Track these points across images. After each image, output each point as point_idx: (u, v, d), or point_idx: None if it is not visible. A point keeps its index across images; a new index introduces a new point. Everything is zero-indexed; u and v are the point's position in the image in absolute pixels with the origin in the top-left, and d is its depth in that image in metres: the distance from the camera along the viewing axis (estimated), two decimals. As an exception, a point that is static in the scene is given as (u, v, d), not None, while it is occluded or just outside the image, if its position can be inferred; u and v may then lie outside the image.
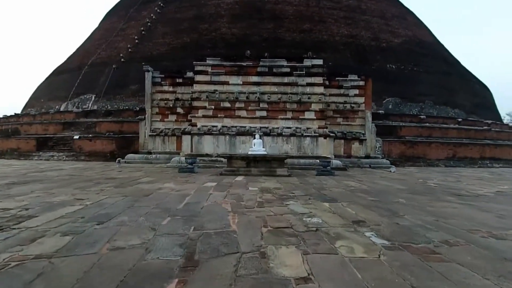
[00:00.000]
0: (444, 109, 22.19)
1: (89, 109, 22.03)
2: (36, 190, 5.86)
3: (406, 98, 21.65)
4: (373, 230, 3.29)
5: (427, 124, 17.97)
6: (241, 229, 3.34)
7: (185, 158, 9.82)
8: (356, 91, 14.87)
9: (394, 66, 23.33)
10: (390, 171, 11.21)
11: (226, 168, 9.20)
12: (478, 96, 26.12)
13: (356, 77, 14.93)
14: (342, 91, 14.91)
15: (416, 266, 2.28)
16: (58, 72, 29.63)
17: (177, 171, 9.76)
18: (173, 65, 18.88)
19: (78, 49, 32.13)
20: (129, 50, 25.09)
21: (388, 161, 14.03)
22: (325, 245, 2.79)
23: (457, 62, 29.20)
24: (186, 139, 12.56)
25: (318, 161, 11.75)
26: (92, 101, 23.01)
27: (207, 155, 12.39)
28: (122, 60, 24.40)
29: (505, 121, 33.79)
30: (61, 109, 23.56)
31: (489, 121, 20.81)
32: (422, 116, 18.56)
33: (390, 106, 21.01)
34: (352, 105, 14.78)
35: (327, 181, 8.13)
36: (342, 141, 14.36)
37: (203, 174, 9.34)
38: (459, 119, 19.33)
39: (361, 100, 14.85)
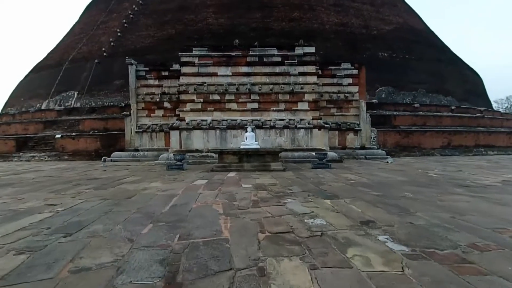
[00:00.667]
0: (436, 97, 22.10)
1: (71, 106, 20.98)
2: (4, 196, 5.22)
3: (398, 86, 21.43)
4: (386, 233, 2.86)
5: (421, 112, 17.82)
6: (234, 237, 2.86)
7: (174, 155, 9.25)
8: (350, 80, 14.46)
9: (386, 54, 23.02)
10: (388, 162, 10.91)
11: (217, 164, 8.68)
12: (469, 83, 26.17)
13: (349, 65, 14.50)
14: (335, 80, 14.48)
15: (453, 283, 1.84)
16: (38, 69, 28.15)
17: (165, 168, 9.18)
18: (158, 58, 18.01)
19: (58, 45, 30.55)
20: (112, 44, 23.93)
21: (383, 152, 13.77)
22: (335, 256, 2.34)
23: (447, 49, 29.15)
24: (174, 134, 11.93)
25: (313, 153, 11.36)
26: (74, 98, 21.93)
27: (197, 150, 11.82)
28: (105, 54, 23.27)
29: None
30: (42, 107, 22.37)
31: (482, 108, 20.85)
32: (416, 105, 18.37)
33: (383, 96, 20.76)
34: (346, 94, 14.39)
35: (324, 174, 7.72)
36: (337, 132, 14.00)
37: (193, 171, 8.80)
38: (452, 107, 19.26)
39: (355, 89, 14.47)
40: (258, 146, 9.24)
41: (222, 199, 4.69)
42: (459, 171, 8.20)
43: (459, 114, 18.13)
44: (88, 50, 24.87)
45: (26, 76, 29.07)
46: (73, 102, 21.56)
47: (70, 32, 31.16)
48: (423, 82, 22.58)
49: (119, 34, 24.79)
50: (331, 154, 10.63)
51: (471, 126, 17.51)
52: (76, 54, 25.01)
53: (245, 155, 8.66)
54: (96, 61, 22.65)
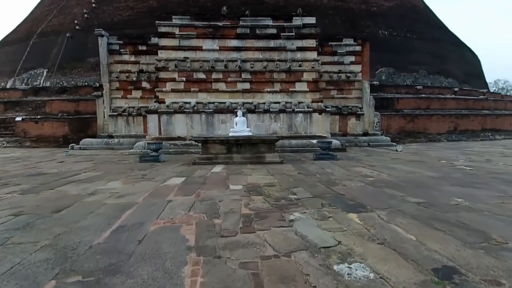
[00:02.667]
0: (438, 78, 20.86)
1: (40, 85, 18.68)
2: None
3: (399, 68, 20.01)
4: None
5: (424, 95, 16.53)
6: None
7: (148, 144, 7.63)
8: (352, 58, 12.90)
9: (386, 33, 21.38)
10: (397, 151, 9.63)
11: (200, 156, 7.14)
12: (469, 64, 25.02)
13: (351, 41, 12.88)
14: (336, 58, 12.88)
15: None
16: (3, 44, 25.11)
17: (138, 160, 7.58)
18: (138, 33, 15.87)
19: (27, 17, 27.29)
20: (86, 16, 21.26)
21: (388, 138, 12.51)
22: None
23: (447, 28, 27.68)
24: (152, 119, 10.22)
25: (312, 141, 9.94)
26: (44, 76, 19.52)
27: (179, 138, 10.20)
28: (78, 27, 20.66)
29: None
30: (8, 86, 19.92)
31: (484, 90, 19.81)
32: (418, 87, 17.04)
33: (383, 77, 19.34)
34: (348, 74, 12.86)
35: (331, 168, 6.32)
36: (337, 117, 12.59)
37: (170, 163, 7.24)
38: (456, 89, 18.05)
39: (357, 68, 12.94)
40: (250, 133, 7.73)
41: (198, 212, 3.21)
42: (488, 161, 6.96)
43: (463, 97, 16.96)
44: (59, 22, 22.11)
45: (-9, 53, 25.99)
46: (42, 81, 19.21)
47: (40, 2, 27.86)
48: (424, 63, 21.23)
49: (94, 5, 22.08)
50: (334, 142, 9.23)
51: (476, 109, 16.43)
52: (45, 27, 22.22)
53: (234, 145, 7.14)
54: (67, 35, 20.10)
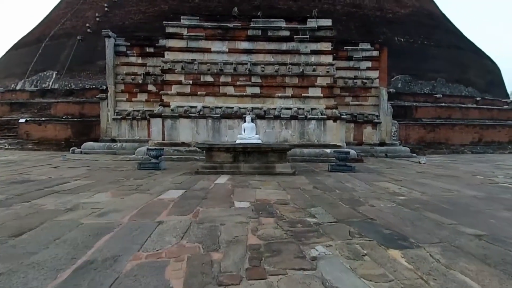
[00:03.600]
0: (457, 87, 19.81)
1: (49, 87, 18.61)
2: None
3: (416, 75, 19.11)
4: None
5: (444, 104, 15.56)
6: None
7: (148, 150, 7.03)
8: (369, 64, 12.17)
9: (402, 39, 20.57)
10: (420, 163, 8.75)
11: (204, 164, 6.48)
12: (490, 73, 23.81)
13: (368, 46, 12.17)
14: (351, 63, 12.18)
15: None
16: (17, 46, 25.46)
17: (137, 167, 6.98)
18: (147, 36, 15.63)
19: (42, 20, 27.77)
20: (97, 19, 21.30)
21: (407, 149, 11.61)
22: None
23: (465, 37, 26.63)
24: (155, 123, 9.68)
25: (326, 150, 9.18)
26: (53, 79, 19.47)
27: (183, 144, 9.60)
28: (89, 31, 20.68)
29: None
30: (18, 87, 19.96)
31: (508, 100, 18.62)
32: (438, 95, 16.08)
33: (399, 85, 18.45)
34: (364, 80, 12.11)
35: (352, 182, 5.55)
36: (352, 125, 11.79)
37: (171, 172, 6.60)
38: (477, 98, 17.00)
39: (374, 74, 12.19)
40: (259, 141, 7.04)
41: (193, 241, 2.52)
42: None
43: (486, 106, 15.89)
44: (72, 26, 22.23)
45: (6, 53, 26.42)
46: (50, 83, 19.11)
47: (57, 6, 28.31)
48: (442, 71, 20.24)
49: (106, 9, 22.14)
50: (351, 153, 8.44)
51: (501, 120, 15.33)
52: (58, 30, 22.37)
53: (242, 153, 6.46)
54: (78, 37, 20.10)
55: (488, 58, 26.11)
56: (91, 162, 8.48)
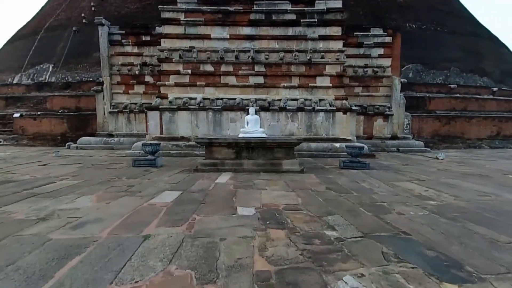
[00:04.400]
0: (471, 77, 18.82)
1: (45, 81, 18.07)
2: None
3: (428, 64, 18.15)
4: None
5: (458, 95, 14.73)
6: None
7: (143, 146, 6.46)
8: (381, 51, 11.38)
9: (414, 26, 19.53)
10: (437, 158, 8.08)
11: (203, 161, 5.91)
12: (506, 63, 22.68)
13: (380, 31, 11.36)
14: (362, 51, 11.39)
15: None
16: (14, 39, 24.83)
17: (132, 164, 6.44)
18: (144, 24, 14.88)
19: (38, 12, 27.04)
20: (93, 9, 20.55)
21: (421, 143, 10.93)
22: None
23: (480, 23, 25.35)
24: (153, 116, 9.10)
25: (335, 145, 8.56)
26: (49, 72, 18.88)
27: (182, 138, 9.02)
28: (84, 21, 19.94)
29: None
30: (14, 81, 19.45)
31: (526, 91, 17.64)
32: (452, 86, 15.25)
33: (410, 75, 17.55)
34: (375, 69, 11.34)
35: (369, 182, 4.94)
36: (362, 117, 11.10)
37: (168, 169, 6.04)
38: (494, 89, 16.12)
39: (386, 62, 11.41)
40: (264, 135, 6.43)
41: (184, 267, 1.95)
42: None
43: (504, 98, 15.03)
44: (67, 17, 21.50)
45: (2, 48, 25.84)
46: (47, 77, 18.54)
47: (52, -2, 27.48)
48: (456, 60, 19.23)
49: (102, -2, 21.31)
50: (358, 146, 7.79)
51: (520, 112, 14.47)
52: (53, 21, 21.67)
53: (245, 148, 5.86)
54: (73, 28, 19.40)
55: (505, 46, 24.89)
56: (85, 158, 7.96)
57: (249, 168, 5.73)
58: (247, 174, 5.52)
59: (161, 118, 9.11)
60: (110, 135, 11.18)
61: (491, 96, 15.28)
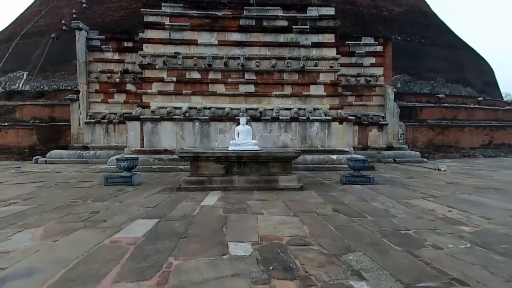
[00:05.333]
0: (456, 87, 19.12)
1: (18, 89, 16.80)
2: None
3: (415, 75, 18.30)
4: None
5: (446, 104, 14.71)
6: None
7: (117, 161, 5.59)
8: (373, 60, 11.12)
9: (400, 38, 19.79)
10: (440, 170, 7.62)
11: (188, 178, 5.11)
12: (485, 73, 23.37)
13: (371, 40, 11.15)
14: (353, 59, 11.10)
15: None
16: (-13, 46, 23.40)
17: (103, 182, 5.54)
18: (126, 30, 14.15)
19: (15, 19, 25.75)
20: (74, 16, 19.65)
21: (417, 153, 10.57)
22: None
23: (458, 37, 26.25)
24: (133, 127, 8.24)
25: (332, 157, 7.98)
26: (23, 80, 17.60)
27: (165, 151, 8.18)
28: (65, 28, 18.95)
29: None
30: (-15, 91, 18.00)
31: (509, 100, 18.04)
32: (440, 95, 15.24)
33: (398, 85, 17.54)
34: (368, 78, 11.04)
35: (379, 200, 4.30)
36: (356, 127, 10.64)
37: (146, 189, 5.19)
38: (479, 98, 16.28)
39: (379, 71, 11.15)
40: (257, 147, 5.73)
41: None
42: None
43: (490, 107, 15.15)
44: (46, 23, 20.44)
45: (-26, 56, 24.20)
46: (21, 85, 17.26)
47: (31, 4, 26.32)
48: (441, 71, 19.54)
49: (84, 5, 20.49)
50: (361, 158, 7.23)
51: (507, 121, 14.57)
52: (31, 27, 20.52)
53: (236, 163, 5.13)
54: (52, 35, 18.33)
55: (482, 58, 25.79)
56: (50, 175, 6.95)
57: (241, 185, 4.98)
58: (239, 193, 4.77)
59: (142, 129, 8.26)
60: (86, 147, 10.16)
61: (477, 106, 15.36)
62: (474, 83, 20.68)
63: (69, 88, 15.90)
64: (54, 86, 16.56)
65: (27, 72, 17.70)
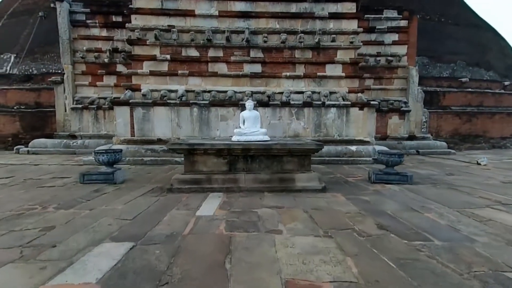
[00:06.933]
0: (478, 71, 17.60)
1: (6, 73, 15.70)
2: None
3: (434, 57, 16.78)
4: None
5: (470, 89, 13.41)
6: None
7: (95, 154, 4.55)
8: (395, 37, 9.83)
9: (418, 16, 18.16)
10: (480, 164, 6.52)
11: (182, 176, 4.07)
12: (508, 56, 21.72)
13: (395, 14, 9.80)
14: (373, 36, 9.79)
15: None
16: (-25, 28, 22.06)
17: (79, 180, 4.52)
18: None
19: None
20: (64, -8, 18.17)
21: (444, 144, 9.45)
22: None
23: (479, 15, 24.34)
24: (122, 113, 7.17)
25: (351, 148, 6.89)
26: (11, 62, 16.41)
27: (159, 141, 7.13)
28: (53, 5, 17.58)
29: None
30: (-29, 75, 16.91)
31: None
32: (463, 79, 13.90)
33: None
34: (389, 58, 9.77)
35: (434, 210, 3.24)
36: (374, 114, 9.44)
37: (129, 188, 4.18)
38: (505, 83, 14.91)
39: (401, 50, 9.89)
40: (267, 137, 4.64)
41: None
42: None
43: (519, 93, 13.80)
44: (34, 1, 19.00)
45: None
46: (8, 68, 16.09)
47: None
48: (462, 53, 17.97)
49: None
50: (395, 152, 6.13)
51: (537, 109, 13.27)
52: (18, 6, 19.08)
53: (242, 157, 4.07)
54: (40, 14, 16.93)
55: (505, 39, 23.98)
56: (25, 168, 5.97)
57: (248, 186, 3.94)
58: (246, 196, 3.74)
59: (132, 116, 7.18)
60: (73, 136, 9.15)
61: (502, 91, 14.03)
62: (497, 67, 19.12)
63: (58, 71, 14.69)
64: (44, 69, 15.34)
65: (15, 55, 16.42)
